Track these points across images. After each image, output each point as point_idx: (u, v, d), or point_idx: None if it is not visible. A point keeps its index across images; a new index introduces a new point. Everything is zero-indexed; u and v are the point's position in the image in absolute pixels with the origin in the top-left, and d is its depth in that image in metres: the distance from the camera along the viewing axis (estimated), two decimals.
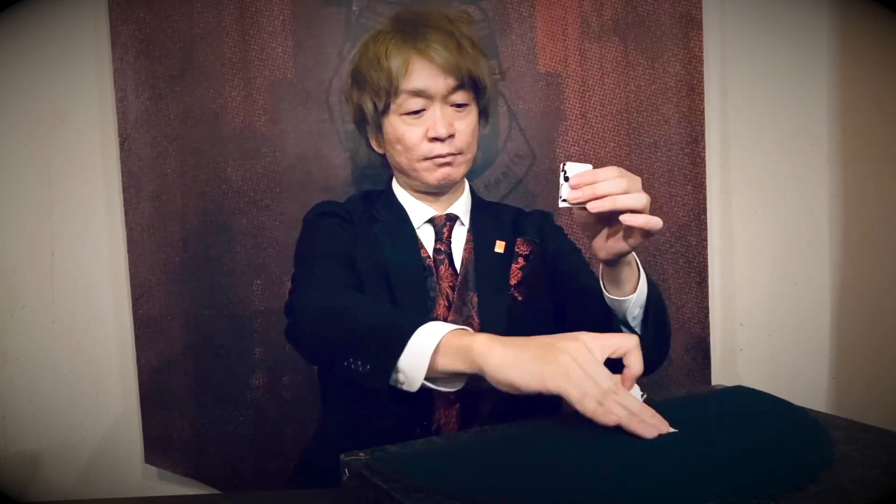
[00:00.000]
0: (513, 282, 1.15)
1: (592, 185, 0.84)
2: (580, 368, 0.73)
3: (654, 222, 0.85)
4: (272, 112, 1.61)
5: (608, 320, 1.01)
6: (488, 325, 1.11)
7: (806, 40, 1.69)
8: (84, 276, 1.71)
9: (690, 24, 1.60)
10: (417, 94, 1.10)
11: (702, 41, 1.61)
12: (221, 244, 1.63)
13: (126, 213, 1.63)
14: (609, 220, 0.89)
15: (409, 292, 1.12)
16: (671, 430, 0.74)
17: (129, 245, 1.63)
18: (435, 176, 1.14)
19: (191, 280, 1.63)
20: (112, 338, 1.72)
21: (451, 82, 1.10)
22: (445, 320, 1.10)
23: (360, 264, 1.12)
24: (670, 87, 1.61)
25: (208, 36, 1.60)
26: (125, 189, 1.63)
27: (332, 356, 0.90)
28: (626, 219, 0.84)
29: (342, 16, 1.60)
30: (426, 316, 0.89)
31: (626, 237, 0.89)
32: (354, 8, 1.60)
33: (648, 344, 1.00)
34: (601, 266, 0.97)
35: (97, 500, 1.62)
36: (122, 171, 1.63)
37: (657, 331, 1.00)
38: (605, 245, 0.91)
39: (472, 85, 1.12)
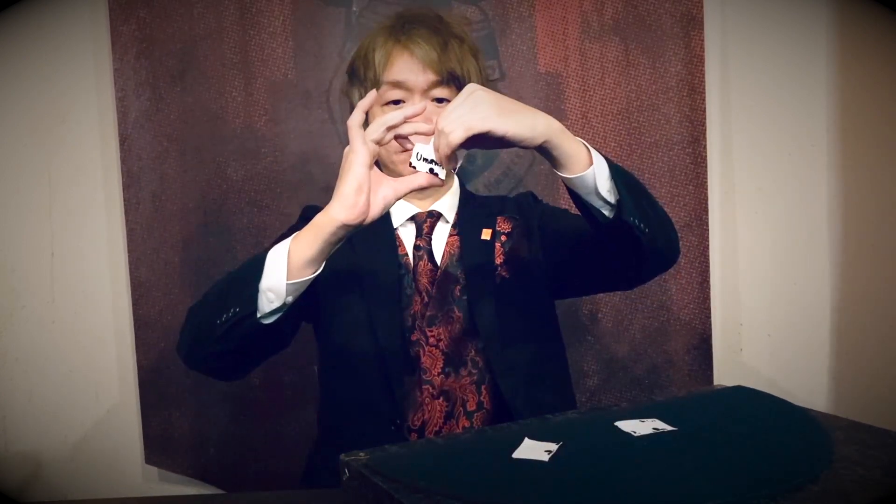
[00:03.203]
0: (498, 261, 1.16)
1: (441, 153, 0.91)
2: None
3: (459, 134, 0.87)
4: (272, 112, 1.61)
5: (595, 226, 0.96)
6: (475, 312, 1.12)
7: (806, 40, 1.69)
8: (84, 276, 1.71)
9: (691, 24, 1.60)
10: (397, 85, 1.12)
11: (703, 41, 1.61)
12: (222, 244, 1.63)
13: (126, 213, 1.63)
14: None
15: (381, 291, 1.14)
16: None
17: (129, 245, 1.64)
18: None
19: (191, 280, 1.63)
20: (112, 338, 1.72)
21: (430, 77, 1.11)
22: (423, 316, 1.12)
23: (327, 267, 1.13)
24: (671, 87, 1.61)
25: (209, 36, 1.60)
26: (125, 189, 1.63)
27: (202, 339, 0.99)
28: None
29: (342, 16, 1.60)
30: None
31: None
32: (354, 8, 1.60)
33: (638, 212, 0.94)
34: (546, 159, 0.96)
35: (97, 500, 1.63)
36: (122, 171, 1.63)
37: (637, 196, 0.96)
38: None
39: (454, 82, 1.13)
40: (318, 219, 0.93)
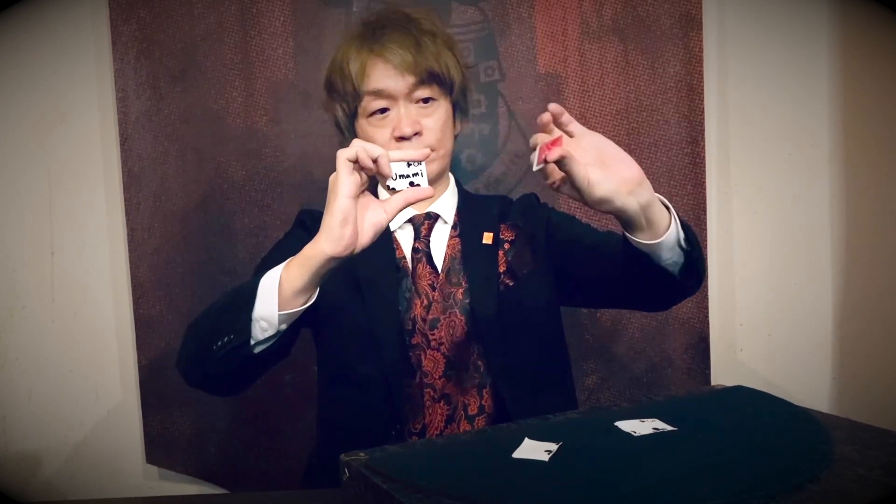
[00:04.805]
0: (501, 269, 1.15)
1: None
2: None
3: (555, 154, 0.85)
4: (273, 112, 1.61)
5: (641, 266, 0.95)
6: (478, 316, 1.12)
7: (806, 40, 1.69)
8: (84, 276, 1.71)
9: (690, 24, 1.60)
10: (378, 94, 1.11)
11: (701, 41, 1.61)
12: (223, 244, 1.63)
13: (127, 213, 1.64)
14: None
15: (379, 294, 1.13)
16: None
17: (129, 245, 1.64)
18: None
19: (192, 280, 1.63)
20: (112, 338, 1.72)
21: (410, 80, 1.10)
22: (424, 320, 1.11)
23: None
24: (670, 88, 1.61)
25: (209, 37, 1.60)
26: (126, 189, 1.63)
27: (199, 361, 0.99)
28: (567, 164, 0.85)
29: (342, 17, 1.60)
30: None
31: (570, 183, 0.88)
32: (354, 9, 1.60)
33: (701, 261, 0.97)
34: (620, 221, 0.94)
35: (97, 500, 1.63)
36: (123, 171, 1.63)
37: (698, 254, 0.97)
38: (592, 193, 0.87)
39: (435, 79, 1.12)
40: (307, 250, 0.92)
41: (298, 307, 0.94)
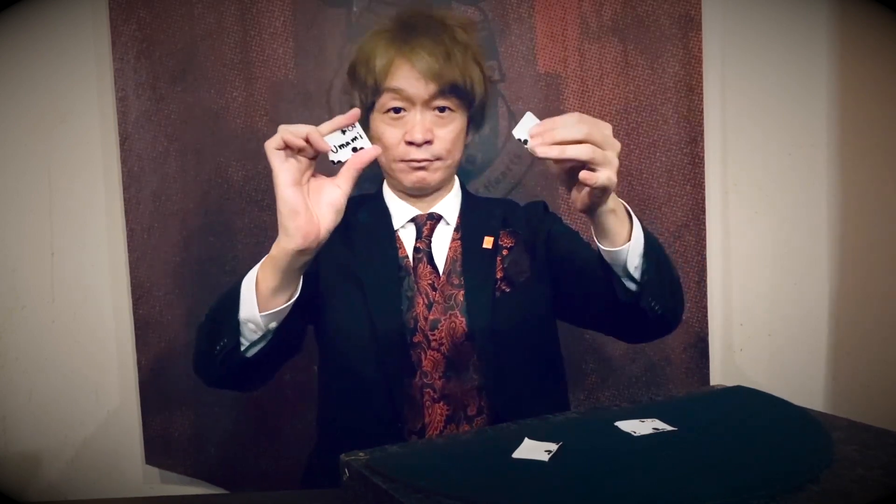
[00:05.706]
0: (499, 276, 1.15)
1: (551, 132, 0.82)
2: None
3: (603, 180, 0.81)
4: (273, 112, 1.61)
5: (610, 282, 0.96)
6: (475, 320, 1.12)
7: (806, 40, 1.69)
8: (84, 276, 1.71)
9: (690, 25, 1.60)
10: (397, 92, 1.11)
11: (701, 41, 1.61)
12: (222, 244, 1.63)
13: (127, 213, 1.64)
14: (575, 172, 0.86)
15: (381, 293, 1.13)
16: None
17: (129, 245, 1.64)
18: (409, 179, 1.14)
19: (191, 280, 1.63)
20: (112, 338, 1.72)
21: (432, 88, 1.10)
22: (426, 319, 1.12)
23: (327, 270, 1.12)
24: (669, 88, 1.61)
25: (209, 36, 1.60)
26: (126, 189, 1.63)
27: (208, 365, 0.99)
28: (582, 176, 0.81)
29: (342, 17, 1.60)
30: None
31: (579, 190, 0.85)
32: (355, 9, 1.60)
33: (657, 295, 0.95)
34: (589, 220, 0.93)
35: (97, 500, 1.63)
36: (123, 171, 1.63)
37: (661, 278, 0.95)
38: (576, 197, 0.87)
39: (456, 93, 1.12)
40: (274, 249, 0.90)
41: (280, 306, 0.93)
